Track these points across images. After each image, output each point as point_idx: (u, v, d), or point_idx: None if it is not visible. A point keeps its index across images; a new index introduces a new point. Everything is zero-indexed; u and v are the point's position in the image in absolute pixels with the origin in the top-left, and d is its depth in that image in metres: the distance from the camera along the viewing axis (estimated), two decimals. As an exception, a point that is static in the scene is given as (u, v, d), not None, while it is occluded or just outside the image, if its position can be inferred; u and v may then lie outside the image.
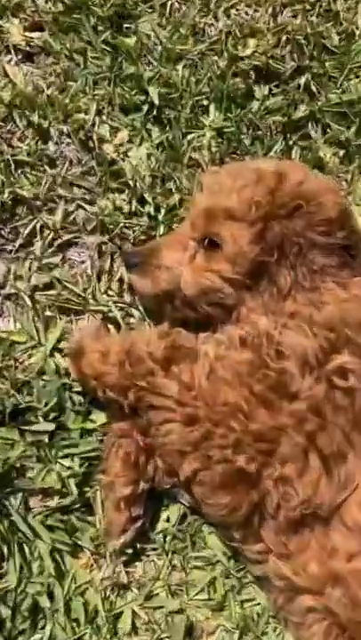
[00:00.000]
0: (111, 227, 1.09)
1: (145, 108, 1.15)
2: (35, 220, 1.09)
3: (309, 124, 1.18)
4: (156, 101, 1.13)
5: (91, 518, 0.98)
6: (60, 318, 1.06)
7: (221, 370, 0.86)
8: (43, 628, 0.92)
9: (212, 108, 1.17)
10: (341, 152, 1.18)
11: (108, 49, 1.18)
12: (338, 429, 0.80)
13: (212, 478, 0.84)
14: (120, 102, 1.16)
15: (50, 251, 1.09)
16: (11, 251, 1.09)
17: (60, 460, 0.97)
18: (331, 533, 0.80)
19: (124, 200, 1.10)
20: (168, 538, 0.98)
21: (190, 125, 1.16)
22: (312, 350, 0.82)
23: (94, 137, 1.13)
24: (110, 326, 1.05)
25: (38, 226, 1.09)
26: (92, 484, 0.99)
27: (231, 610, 0.95)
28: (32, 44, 1.19)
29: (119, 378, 0.91)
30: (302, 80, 1.18)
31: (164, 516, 0.99)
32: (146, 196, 1.09)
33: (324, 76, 1.19)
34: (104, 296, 1.07)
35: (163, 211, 1.10)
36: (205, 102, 1.17)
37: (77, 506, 0.97)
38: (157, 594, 0.96)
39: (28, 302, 1.05)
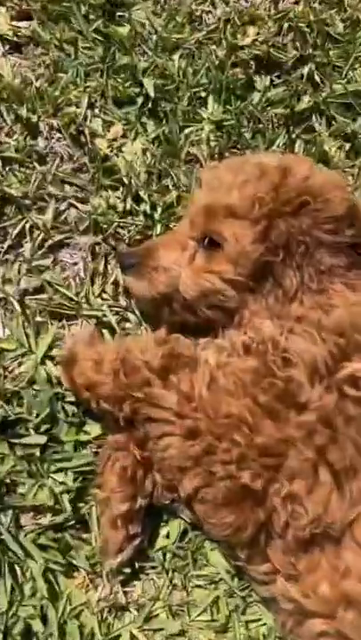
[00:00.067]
0: (105, 226, 1.06)
1: (140, 100, 1.13)
2: (24, 220, 1.07)
3: (313, 117, 1.16)
4: (152, 93, 1.11)
5: (86, 536, 0.95)
6: (52, 324, 1.03)
7: (223, 379, 0.83)
8: (36, 653, 0.89)
9: (210, 100, 1.15)
10: (347, 145, 1.15)
11: (100, 38, 1.15)
12: (350, 442, 0.77)
13: (215, 496, 0.81)
14: (113, 95, 1.13)
15: (40, 252, 1.06)
16: (-2, 253, 1.06)
17: (52, 475, 0.95)
18: (342, 552, 0.77)
19: (119, 198, 1.08)
20: (168, 555, 0.95)
21: (188, 118, 1.13)
22: (321, 357, 0.79)
23: (86, 131, 1.10)
24: (105, 332, 1.03)
25: (27, 226, 1.07)
26: (86, 499, 0.96)
27: (235, 631, 0.92)
28: (20, 33, 1.16)
29: (113, 388, 0.88)
30: (305, 70, 1.16)
31: (163, 532, 0.96)
32: (141, 193, 1.07)
33: (328, 66, 1.17)
34: (98, 300, 1.04)
35: (159, 209, 1.07)
36: (203, 94, 1.15)
37: (71, 523, 0.94)
38: (157, 615, 0.93)
39: (18, 307, 1.03)
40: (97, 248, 1.07)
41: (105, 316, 1.03)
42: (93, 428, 0.98)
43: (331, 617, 0.77)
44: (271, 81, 1.17)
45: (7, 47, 1.17)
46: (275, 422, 0.78)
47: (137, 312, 1.04)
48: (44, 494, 0.93)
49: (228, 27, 1.16)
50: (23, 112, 1.09)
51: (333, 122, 1.16)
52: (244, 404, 0.80)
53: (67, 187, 1.09)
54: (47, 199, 1.08)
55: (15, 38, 1.16)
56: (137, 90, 1.13)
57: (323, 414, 0.77)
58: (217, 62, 1.15)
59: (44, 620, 0.90)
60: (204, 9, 1.19)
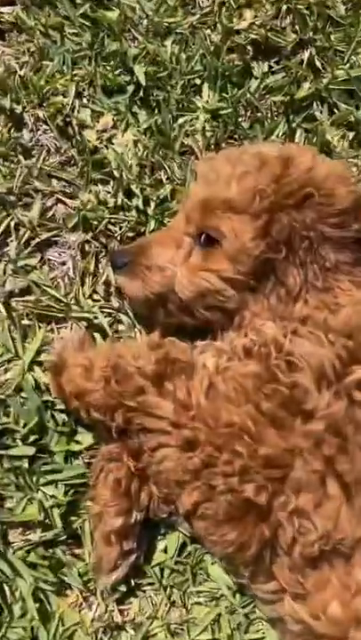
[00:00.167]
0: (95, 223, 1.04)
1: (130, 89, 1.12)
2: (8, 218, 1.05)
3: (314, 104, 1.14)
4: (143, 81, 1.10)
5: (78, 551, 0.93)
6: (40, 327, 1.01)
7: (223, 384, 0.80)
8: None
9: (205, 87, 1.14)
10: (351, 134, 1.12)
11: (87, 24, 1.15)
12: (360, 452, 0.74)
13: (216, 511, 0.78)
14: (102, 83, 1.12)
15: (26, 251, 1.05)
16: (-19, 252, 1.05)
17: (42, 488, 0.92)
18: (354, 569, 0.73)
19: (109, 193, 1.07)
20: (166, 571, 0.92)
21: (181, 108, 1.12)
22: (329, 361, 0.75)
23: (74, 122, 1.09)
24: (96, 335, 1.01)
25: (13, 223, 1.05)
26: (78, 513, 0.93)
27: (238, 651, 0.89)
28: (2, 19, 1.16)
29: (105, 396, 0.85)
30: (305, 55, 1.14)
31: (160, 546, 0.93)
32: (133, 187, 1.05)
33: (329, 50, 1.15)
34: (88, 301, 1.02)
35: (153, 204, 1.06)
36: (198, 81, 1.14)
37: (63, 538, 0.92)
38: (155, 634, 0.90)
39: (3, 310, 1.01)
40: (87, 246, 1.06)
41: (96, 318, 1.01)
42: (85, 438, 0.96)
43: (342, 639, 0.73)
44: (269, 67, 1.16)
45: (-11, 34, 1.17)
46: (279, 431, 0.75)
47: (130, 314, 1.02)
48: (34, 509, 0.90)
49: (224, 10, 1.16)
50: (7, 103, 1.09)
51: (336, 110, 1.14)
52: (245, 412, 0.77)
53: (54, 181, 1.08)
54: (33, 195, 1.06)
55: (-2, 24, 1.16)
56: (127, 78, 1.13)
57: (331, 422, 0.74)
58: (212, 48, 1.14)
59: (36, 642, 0.88)
60: (197, -9, 1.18)
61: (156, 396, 0.82)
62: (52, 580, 0.89)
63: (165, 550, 0.93)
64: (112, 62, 1.13)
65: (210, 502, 0.78)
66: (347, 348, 0.76)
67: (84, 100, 1.12)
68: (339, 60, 1.15)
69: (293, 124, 1.12)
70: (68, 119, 1.09)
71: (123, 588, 0.90)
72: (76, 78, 1.11)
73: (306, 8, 1.15)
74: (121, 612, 0.90)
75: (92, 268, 1.03)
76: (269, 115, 1.12)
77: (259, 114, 1.12)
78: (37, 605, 0.88)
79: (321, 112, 1.14)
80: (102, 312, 1.01)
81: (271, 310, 0.85)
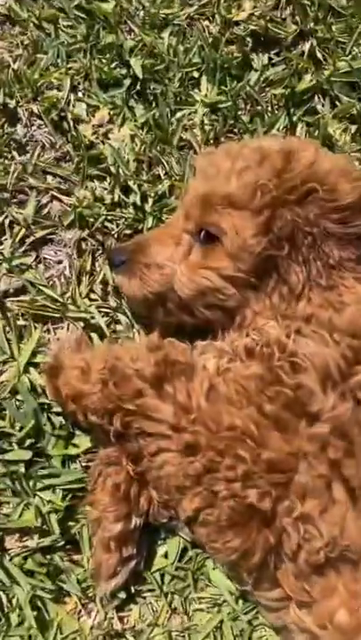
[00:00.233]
0: (91, 220, 1.04)
1: (127, 82, 1.12)
2: (3, 215, 1.05)
3: (316, 97, 1.14)
4: (140, 74, 1.10)
5: (77, 557, 0.92)
6: (35, 328, 1.00)
7: (224, 386, 0.79)
8: None
9: (203, 80, 1.14)
10: (353, 128, 1.12)
11: (82, 16, 1.15)
12: None
13: (219, 517, 0.76)
14: (98, 76, 1.12)
15: (21, 250, 1.04)
16: (-25, 251, 1.05)
17: (39, 493, 0.91)
18: None
19: (106, 189, 1.06)
20: (166, 577, 0.92)
21: (179, 101, 1.12)
22: (334, 361, 0.74)
23: (69, 117, 1.09)
24: (94, 335, 1.01)
25: (7, 221, 1.05)
26: (76, 518, 0.93)
27: (241, 658, 0.89)
28: None
29: (102, 400, 0.84)
30: (306, 46, 1.15)
31: (161, 551, 0.92)
32: (130, 183, 1.05)
33: (330, 42, 1.15)
34: (85, 300, 1.02)
35: (150, 200, 1.05)
36: (196, 74, 1.14)
37: (61, 544, 0.91)
38: None
39: None
40: (83, 244, 1.05)
41: (93, 317, 1.00)
42: (83, 441, 0.95)
43: (350, 649, 0.73)
44: (269, 59, 1.16)
45: (-19, 27, 1.18)
46: (283, 434, 0.74)
47: (128, 313, 1.02)
48: (31, 514, 0.89)
49: (222, 0, 1.16)
50: (0, 97, 1.09)
51: (338, 102, 1.14)
52: (248, 415, 0.75)
53: (49, 178, 1.08)
54: (28, 192, 1.06)
55: (-10, 17, 1.17)
56: (124, 71, 1.13)
57: (337, 425, 0.72)
58: (210, 39, 1.14)
59: (33, 651, 0.87)
60: (194, -19, 1.20)
61: (156, 399, 0.81)
62: (50, 587, 0.89)
63: (166, 555, 0.92)
64: (108, 55, 1.13)
65: (212, 508, 0.77)
66: (352, 347, 0.75)
67: (80, 94, 1.12)
68: (340, 52, 1.14)
69: (294, 118, 1.12)
70: (62, 114, 1.10)
71: (122, 595, 0.89)
72: (70, 72, 1.11)
73: (306, -2, 1.15)
74: (121, 619, 0.90)
75: (88, 266, 1.03)
76: (270, 108, 1.13)
77: (259, 107, 1.12)
78: (35, 613, 0.87)
79: (323, 105, 1.14)
80: (100, 312, 1.01)
81: (273, 309, 0.84)
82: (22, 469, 0.91)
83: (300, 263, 0.82)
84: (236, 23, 1.14)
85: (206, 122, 1.10)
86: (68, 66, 1.12)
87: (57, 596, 0.90)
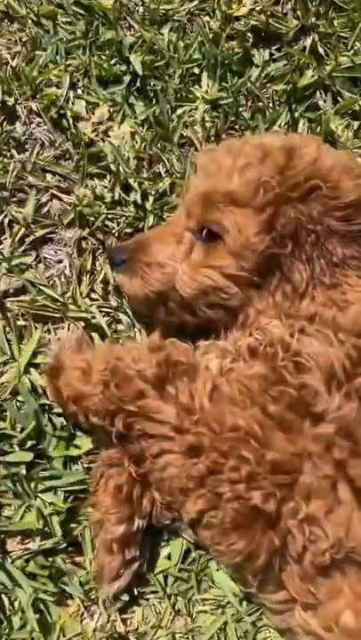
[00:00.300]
0: (92, 219, 1.04)
1: (126, 79, 1.12)
2: (2, 214, 1.04)
3: (317, 93, 1.14)
4: (140, 71, 1.10)
5: (79, 559, 0.92)
6: (36, 328, 1.00)
7: (227, 387, 0.78)
8: None
9: (204, 76, 1.13)
10: (355, 124, 1.12)
11: (81, 12, 1.15)
12: None
13: (223, 520, 0.76)
14: (97, 73, 1.12)
15: (21, 249, 1.04)
16: (-26, 251, 1.05)
17: (40, 495, 0.91)
18: None
19: (106, 187, 1.06)
20: (170, 579, 0.91)
21: (180, 98, 1.12)
22: (339, 361, 0.73)
23: (68, 115, 1.09)
24: (94, 335, 1.00)
25: (6, 221, 1.04)
26: (78, 519, 0.92)
27: (245, 660, 0.89)
28: None
29: (104, 401, 0.83)
30: (308, 41, 1.14)
31: (164, 553, 0.92)
32: (131, 181, 1.05)
33: (332, 37, 1.14)
34: (86, 300, 1.01)
35: (151, 198, 1.05)
36: (197, 70, 1.14)
37: (63, 546, 0.90)
38: None
39: None
40: (83, 243, 1.05)
41: (94, 317, 1.00)
42: (84, 442, 0.94)
43: (356, 651, 0.72)
44: (271, 54, 1.15)
45: (-21, 24, 1.17)
46: (287, 435, 0.73)
47: (129, 312, 1.01)
48: (32, 516, 0.89)
49: None
50: None
51: (340, 98, 1.13)
52: (251, 416, 0.74)
53: (48, 176, 1.08)
54: (27, 190, 1.06)
55: (-12, 14, 1.16)
56: (123, 67, 1.12)
57: (342, 425, 0.72)
58: (211, 35, 1.14)
59: (36, 654, 0.87)
60: (194, -24, 1.19)
61: (158, 400, 0.80)
62: (53, 590, 0.88)
63: (169, 557, 0.92)
64: (107, 51, 1.12)
65: (216, 510, 0.76)
66: (357, 347, 0.74)
67: (79, 91, 1.12)
68: (342, 47, 1.14)
69: (296, 114, 1.11)
70: (62, 111, 1.09)
71: (125, 597, 0.89)
72: (70, 69, 1.11)
73: (307, -8, 1.14)
74: (124, 621, 0.89)
75: (89, 265, 1.03)
76: (271, 104, 1.12)
77: (260, 103, 1.11)
78: (37, 616, 0.87)
79: (324, 101, 1.14)
80: (100, 311, 1.01)
81: (277, 308, 0.83)
82: (23, 471, 0.91)
83: (303, 261, 0.81)
84: (237, 18, 1.13)
85: (207, 118, 1.10)
86: (67, 63, 1.11)
87: (59, 599, 0.89)
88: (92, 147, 1.08)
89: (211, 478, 0.75)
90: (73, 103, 1.10)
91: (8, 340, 0.98)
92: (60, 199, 1.06)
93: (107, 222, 1.04)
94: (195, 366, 0.82)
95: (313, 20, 1.14)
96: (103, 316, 1.00)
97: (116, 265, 0.94)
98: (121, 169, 1.04)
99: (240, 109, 1.11)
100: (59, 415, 0.94)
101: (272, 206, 0.81)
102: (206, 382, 0.79)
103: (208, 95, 1.10)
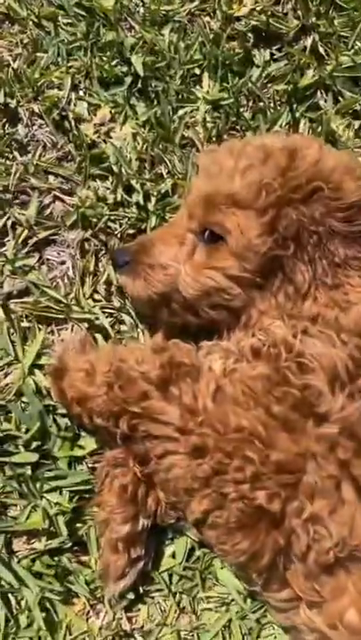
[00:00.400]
0: (94, 220, 1.04)
1: (128, 80, 1.11)
2: (5, 216, 1.04)
3: (318, 93, 1.13)
4: (141, 72, 1.09)
5: (85, 558, 0.92)
6: (39, 329, 1.00)
7: (231, 387, 0.78)
8: None
9: (205, 77, 1.13)
10: (356, 123, 1.11)
11: (82, 13, 1.14)
12: None
13: (228, 519, 0.76)
14: (99, 75, 1.11)
15: (24, 251, 1.04)
16: (-22, 253, 1.05)
17: (46, 495, 0.91)
18: None
19: (108, 188, 1.06)
20: (174, 577, 0.92)
21: (181, 99, 1.11)
22: (342, 362, 0.73)
23: (70, 116, 1.09)
24: (98, 336, 1.00)
25: (9, 222, 1.04)
26: (84, 519, 0.93)
27: (250, 657, 0.89)
28: None
29: (108, 402, 0.84)
30: (308, 41, 1.13)
31: (168, 551, 0.93)
32: (133, 182, 1.04)
33: (333, 36, 1.13)
34: (89, 301, 1.01)
35: (153, 199, 1.05)
36: (198, 71, 1.13)
37: (68, 546, 0.91)
38: None
39: (1, 312, 1.00)
40: (86, 244, 1.05)
41: (97, 318, 1.00)
42: (89, 442, 0.94)
43: (360, 649, 0.72)
44: (271, 55, 1.14)
45: (-20, 26, 1.16)
46: (291, 435, 0.73)
47: (132, 313, 1.01)
48: (38, 516, 0.89)
49: None
50: (0, 97, 1.08)
51: (340, 98, 1.12)
52: (255, 416, 0.74)
53: (51, 178, 1.07)
54: (30, 192, 1.06)
55: (-12, 16, 1.16)
56: (125, 69, 1.12)
57: (346, 425, 0.72)
58: (211, 36, 1.13)
59: (43, 652, 0.87)
60: (195, -24, 1.18)
61: (162, 402, 0.80)
62: (59, 589, 0.89)
63: (174, 556, 0.92)
64: (108, 53, 1.11)
65: (220, 510, 0.76)
66: (359, 347, 0.74)
67: (81, 93, 1.11)
68: (343, 46, 1.13)
69: (297, 114, 1.11)
70: (64, 113, 1.09)
71: (131, 595, 0.89)
72: (71, 70, 1.10)
73: (308, -8, 1.13)
74: (129, 619, 0.90)
75: (92, 266, 1.03)
76: (272, 104, 1.11)
77: (261, 103, 1.11)
78: (44, 615, 0.88)
79: (325, 100, 1.13)
80: (103, 312, 1.00)
81: (279, 308, 0.83)
82: (29, 472, 0.91)
83: (305, 262, 0.81)
84: (238, 19, 1.13)
85: (208, 119, 1.09)
86: (69, 64, 1.11)
87: (65, 598, 0.90)
88: (94, 148, 1.07)
89: (215, 479, 0.75)
90: (75, 105, 1.09)
91: (12, 342, 0.98)
92: (62, 201, 1.06)
93: (109, 223, 1.03)
94: (198, 367, 0.82)
95: (313, 19, 1.13)
96: (106, 317, 1.00)
97: (119, 267, 0.94)
98: (123, 170, 1.04)
99: (241, 110, 1.10)
100: (63, 416, 0.94)
101: (274, 208, 0.81)
102: (210, 383, 0.79)
103: (209, 96, 1.10)
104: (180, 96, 1.11)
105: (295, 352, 0.76)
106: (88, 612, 0.90)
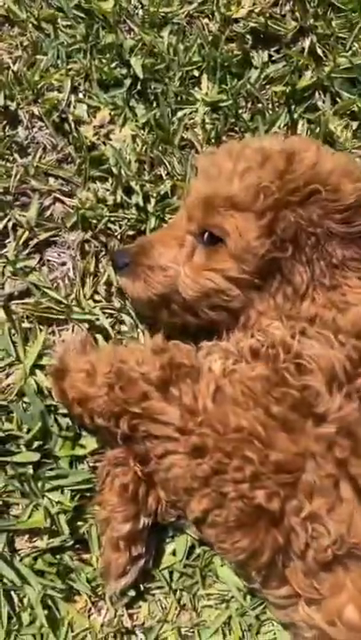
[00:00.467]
0: (94, 222, 1.03)
1: (127, 82, 1.11)
2: (6, 218, 1.04)
3: (316, 94, 1.12)
4: (140, 74, 1.09)
5: (86, 556, 0.93)
6: (41, 330, 1.00)
7: (230, 388, 0.78)
8: None
9: (204, 79, 1.12)
10: (354, 124, 1.11)
11: (81, 15, 1.13)
12: None
13: (227, 518, 0.76)
14: (98, 77, 1.11)
15: (25, 252, 1.04)
16: (-21, 255, 1.04)
17: (47, 494, 0.91)
18: None
19: (108, 190, 1.05)
20: (175, 574, 0.92)
21: (180, 100, 1.11)
22: (339, 362, 0.73)
23: (70, 118, 1.08)
24: (98, 336, 1.00)
25: (10, 224, 1.04)
26: (85, 517, 0.93)
27: (250, 653, 0.89)
28: None
29: (108, 403, 0.84)
30: (306, 43, 1.13)
31: (169, 549, 0.93)
32: (133, 184, 1.04)
33: (330, 38, 1.13)
34: (90, 302, 1.01)
35: (153, 200, 1.05)
36: (196, 73, 1.13)
37: (70, 544, 0.91)
38: (166, 638, 0.89)
39: (3, 313, 1.00)
40: (86, 246, 1.04)
41: (98, 319, 1.00)
42: (89, 442, 0.94)
43: (359, 645, 0.72)
44: (270, 56, 1.14)
45: (-20, 28, 1.16)
46: (290, 435, 0.73)
47: (132, 313, 1.02)
48: (40, 515, 0.89)
49: None
50: (1, 99, 1.07)
51: (338, 99, 1.12)
52: (255, 416, 0.74)
53: (51, 180, 1.07)
54: (30, 194, 1.05)
55: (-12, 18, 1.15)
56: (124, 71, 1.11)
57: (344, 425, 0.72)
58: (210, 37, 1.12)
59: (45, 649, 0.87)
60: (193, -21, 1.17)
61: (162, 402, 0.80)
62: (61, 587, 0.89)
63: (174, 553, 0.92)
64: (108, 55, 1.11)
65: (220, 509, 0.76)
66: (357, 348, 0.74)
67: (80, 95, 1.10)
68: (340, 48, 1.13)
69: (295, 115, 1.11)
70: (63, 115, 1.08)
71: (132, 593, 0.90)
72: (71, 72, 1.10)
73: (306, -6, 1.12)
74: (130, 616, 0.90)
75: (92, 268, 1.03)
76: (271, 105, 1.11)
77: (260, 105, 1.11)
78: (46, 612, 0.88)
79: (323, 102, 1.12)
80: (104, 313, 1.00)
81: (278, 309, 0.83)
82: (30, 471, 0.91)
83: (303, 263, 0.81)
84: (236, 20, 1.12)
85: (207, 121, 1.09)
86: (68, 67, 1.10)
87: (67, 595, 0.90)
88: (93, 150, 1.07)
89: (215, 478, 0.75)
90: (74, 107, 1.09)
91: (13, 342, 0.98)
92: (62, 202, 1.05)
93: (109, 225, 1.03)
94: (197, 368, 0.82)
95: (311, 21, 1.12)
96: (107, 318, 1.00)
97: (119, 268, 0.94)
98: (122, 172, 1.04)
99: (240, 111, 1.10)
100: (64, 416, 0.94)
101: (272, 211, 0.81)
102: (209, 384, 0.79)
103: (208, 97, 1.09)
104: (179, 98, 1.10)
105: (293, 353, 0.76)
106: (90, 609, 0.91)
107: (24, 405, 0.94)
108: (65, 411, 0.94)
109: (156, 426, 0.80)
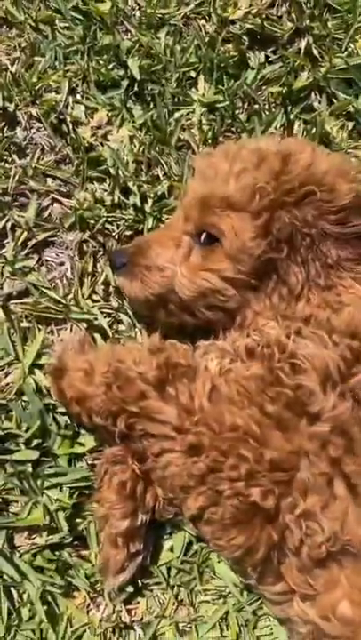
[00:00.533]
0: (92, 222, 1.03)
1: (124, 83, 1.11)
2: (4, 219, 1.04)
3: (313, 94, 1.12)
4: (137, 75, 1.08)
5: (85, 553, 0.93)
6: (39, 329, 1.00)
7: (226, 387, 0.78)
8: None
9: (201, 80, 1.12)
10: (350, 124, 1.11)
11: (79, 17, 1.13)
12: None
13: (223, 516, 0.76)
14: (96, 78, 1.10)
15: (23, 253, 1.03)
16: (-22, 255, 1.04)
17: (46, 492, 0.91)
18: None
19: (106, 190, 1.05)
20: (173, 570, 0.92)
21: (177, 101, 1.11)
22: (333, 362, 0.74)
23: (68, 119, 1.08)
24: (97, 335, 1.00)
25: (9, 225, 1.04)
26: (84, 514, 0.93)
27: (247, 648, 0.89)
28: None
29: (106, 402, 0.84)
30: (303, 43, 1.12)
31: (167, 545, 0.93)
32: (130, 184, 1.04)
33: (327, 38, 1.12)
34: (88, 302, 1.01)
35: (150, 201, 1.04)
36: (193, 74, 1.12)
37: (69, 541, 0.92)
38: (164, 633, 0.90)
39: (2, 313, 0.99)
40: (84, 246, 1.04)
41: (96, 318, 1.00)
42: (88, 440, 0.94)
43: (353, 640, 0.73)
44: (266, 57, 1.13)
45: (-22, 30, 1.15)
46: (284, 433, 0.74)
47: (130, 313, 1.02)
48: (39, 512, 0.90)
49: None
50: None
51: (334, 99, 1.12)
52: (250, 415, 0.75)
53: (49, 180, 1.07)
54: (29, 195, 1.05)
55: (-14, 20, 1.14)
56: (121, 72, 1.11)
57: (337, 424, 0.72)
58: (207, 39, 1.12)
59: (45, 644, 0.88)
60: (190, -20, 1.16)
61: (159, 401, 0.80)
62: (60, 583, 0.89)
63: (172, 549, 0.93)
64: (105, 56, 1.10)
65: (216, 507, 0.77)
66: (351, 348, 0.74)
67: (78, 96, 1.10)
68: (336, 49, 1.12)
69: (292, 116, 1.10)
70: (61, 116, 1.08)
71: (130, 589, 0.90)
72: (68, 74, 1.09)
73: (302, -5, 1.11)
74: (129, 611, 0.90)
75: (90, 267, 1.02)
76: (267, 106, 1.10)
77: (256, 106, 1.10)
78: (45, 608, 0.88)
79: (319, 102, 1.12)
80: (102, 312, 1.00)
81: (273, 309, 0.83)
82: (30, 469, 0.91)
83: (298, 264, 0.82)
84: (232, 22, 1.11)
85: (204, 121, 1.08)
86: (66, 68, 1.10)
87: (66, 591, 0.90)
88: (91, 151, 1.06)
89: (211, 476, 0.76)
90: (72, 108, 1.08)
91: (12, 342, 0.98)
92: (60, 203, 1.05)
93: (107, 225, 1.03)
94: (194, 368, 0.82)
95: (307, 22, 1.12)
96: (105, 317, 1.00)
97: (117, 268, 0.94)
98: (120, 172, 1.03)
99: (236, 112, 1.09)
100: (63, 414, 0.94)
101: (268, 211, 0.81)
102: (205, 383, 0.79)
103: (205, 98, 1.09)
104: (175, 99, 1.10)
105: (288, 352, 0.76)
106: (88, 604, 0.91)
107: (23, 404, 0.94)
108: (63, 409, 0.94)
109: (153, 425, 0.80)
